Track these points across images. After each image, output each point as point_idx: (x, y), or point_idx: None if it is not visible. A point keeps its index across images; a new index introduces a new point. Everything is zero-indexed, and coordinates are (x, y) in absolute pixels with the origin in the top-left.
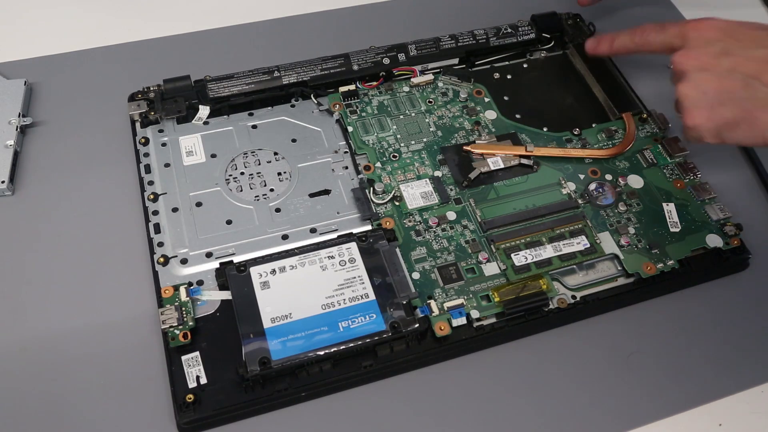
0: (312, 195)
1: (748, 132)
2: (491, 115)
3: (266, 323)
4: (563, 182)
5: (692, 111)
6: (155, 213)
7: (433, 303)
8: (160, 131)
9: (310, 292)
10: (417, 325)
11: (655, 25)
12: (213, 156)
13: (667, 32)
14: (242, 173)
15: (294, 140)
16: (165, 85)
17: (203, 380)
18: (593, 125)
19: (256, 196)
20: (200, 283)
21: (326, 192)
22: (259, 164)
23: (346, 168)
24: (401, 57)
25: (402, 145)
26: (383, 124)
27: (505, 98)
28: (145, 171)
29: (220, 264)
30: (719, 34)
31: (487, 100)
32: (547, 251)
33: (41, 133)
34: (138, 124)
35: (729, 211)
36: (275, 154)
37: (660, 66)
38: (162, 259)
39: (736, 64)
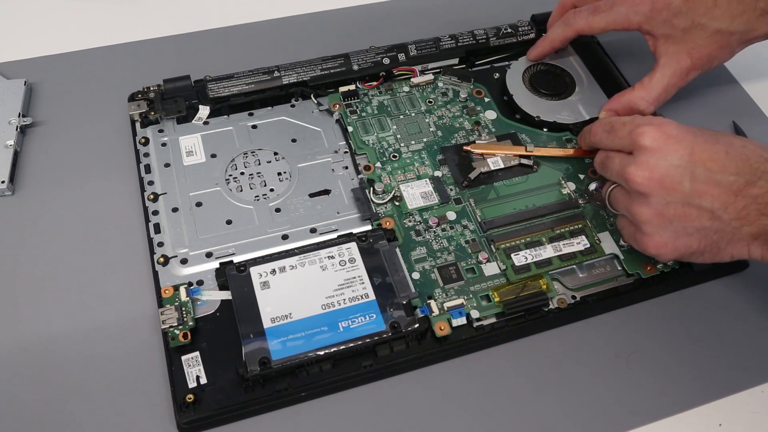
0: (312, 195)
1: (710, 258)
2: (491, 115)
3: (266, 323)
4: (563, 182)
5: (654, 238)
6: (155, 213)
7: (433, 303)
8: (160, 131)
9: (310, 292)
10: (417, 325)
11: (605, 124)
12: (213, 156)
13: (616, 135)
14: (242, 173)
15: (294, 140)
16: (165, 85)
17: (203, 380)
18: None
19: (256, 196)
20: (200, 283)
21: (326, 192)
22: (259, 164)
23: (346, 168)
24: (401, 57)
25: (402, 145)
26: (383, 124)
27: (505, 98)
28: (145, 171)
29: (220, 264)
30: (679, 147)
31: (487, 100)
32: (547, 251)
33: (41, 133)
34: (138, 124)
35: None
36: (275, 154)
37: None
38: (162, 259)
39: (702, 191)
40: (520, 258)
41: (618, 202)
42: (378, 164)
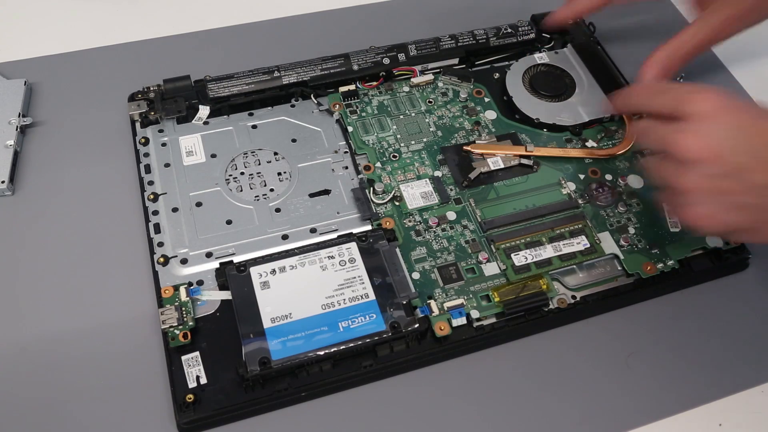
0: (312, 195)
1: (752, 237)
2: (491, 115)
3: (266, 323)
4: (563, 182)
5: (697, 210)
6: (155, 213)
7: (433, 303)
8: (160, 131)
9: (310, 292)
10: (417, 325)
11: (652, 86)
12: (213, 156)
13: (664, 97)
14: (242, 173)
15: (294, 140)
16: (165, 85)
17: (203, 380)
18: (593, 125)
19: (256, 196)
20: (200, 283)
21: (326, 192)
22: (259, 164)
23: (346, 168)
24: (401, 57)
25: (402, 145)
26: (383, 124)
27: (505, 98)
28: (145, 171)
29: (220, 264)
30: (733, 119)
31: (487, 100)
32: (547, 251)
33: (41, 133)
34: (138, 124)
35: None
36: (275, 154)
37: None
38: (162, 259)
39: (748, 167)
40: (520, 258)
41: (659, 172)
42: (378, 164)
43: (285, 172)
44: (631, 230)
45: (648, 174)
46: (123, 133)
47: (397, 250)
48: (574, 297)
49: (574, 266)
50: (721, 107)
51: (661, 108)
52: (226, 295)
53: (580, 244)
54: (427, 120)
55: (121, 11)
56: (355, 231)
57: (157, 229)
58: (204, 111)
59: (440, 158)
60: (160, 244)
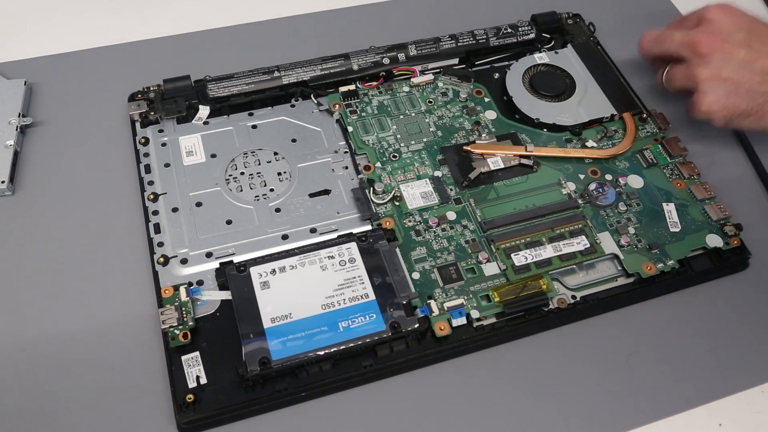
0: (312, 195)
1: (755, 123)
2: (491, 115)
3: (266, 323)
4: (563, 182)
5: (708, 96)
6: (155, 213)
7: (433, 303)
8: (160, 131)
9: (310, 292)
10: (417, 325)
11: (678, 18)
12: (213, 156)
13: (688, 19)
14: (242, 173)
15: (294, 140)
16: (165, 85)
17: (203, 380)
18: (593, 125)
19: (256, 196)
20: (200, 283)
21: (326, 192)
22: (259, 164)
23: (346, 168)
24: (401, 57)
25: (402, 145)
26: (383, 124)
27: (505, 98)
28: (145, 171)
29: (220, 264)
30: (740, 22)
31: (487, 100)
32: (547, 251)
33: (41, 133)
34: (138, 124)
35: (729, 211)
36: (275, 154)
37: None
38: (162, 259)
39: (755, 58)
40: (520, 258)
41: (677, 75)
42: (378, 164)
43: (285, 172)
44: (631, 230)
45: (668, 82)
46: (123, 133)
47: (397, 250)
48: (574, 297)
49: (574, 266)
50: (732, 14)
51: (685, 26)
52: (226, 295)
53: (580, 244)
54: (427, 120)
55: (121, 11)
56: (355, 231)
57: (157, 229)
58: (204, 111)
59: (440, 158)
60: (160, 244)
